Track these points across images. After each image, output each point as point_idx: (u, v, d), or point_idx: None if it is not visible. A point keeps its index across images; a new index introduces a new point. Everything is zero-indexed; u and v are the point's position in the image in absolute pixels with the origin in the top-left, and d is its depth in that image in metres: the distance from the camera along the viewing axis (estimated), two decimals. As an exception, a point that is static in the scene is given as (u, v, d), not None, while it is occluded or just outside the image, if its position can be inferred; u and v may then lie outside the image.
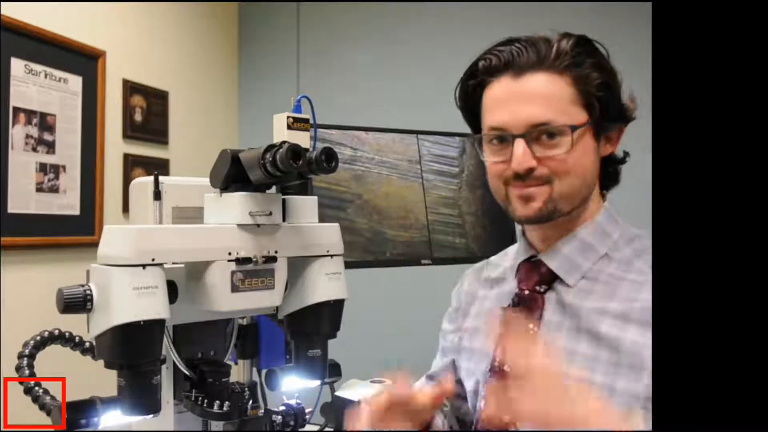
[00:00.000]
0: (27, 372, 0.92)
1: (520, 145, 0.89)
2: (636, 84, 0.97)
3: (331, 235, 1.04)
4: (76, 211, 2.32)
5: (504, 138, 0.92)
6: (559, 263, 0.94)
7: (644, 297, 0.86)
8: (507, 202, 0.95)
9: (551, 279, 0.95)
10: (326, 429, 1.54)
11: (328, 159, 0.93)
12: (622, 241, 0.95)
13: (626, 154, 1.00)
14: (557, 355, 0.89)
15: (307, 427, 1.22)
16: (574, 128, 0.88)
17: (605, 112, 0.91)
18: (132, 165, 2.58)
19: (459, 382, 1.05)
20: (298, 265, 1.02)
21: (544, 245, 0.97)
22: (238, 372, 1.17)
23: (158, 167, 2.68)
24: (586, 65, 0.90)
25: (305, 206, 1.03)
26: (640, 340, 0.84)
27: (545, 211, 0.91)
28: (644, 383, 0.82)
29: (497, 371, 0.96)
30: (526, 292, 0.97)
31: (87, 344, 1.01)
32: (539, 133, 0.89)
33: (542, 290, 0.95)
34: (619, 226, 0.96)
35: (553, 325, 0.92)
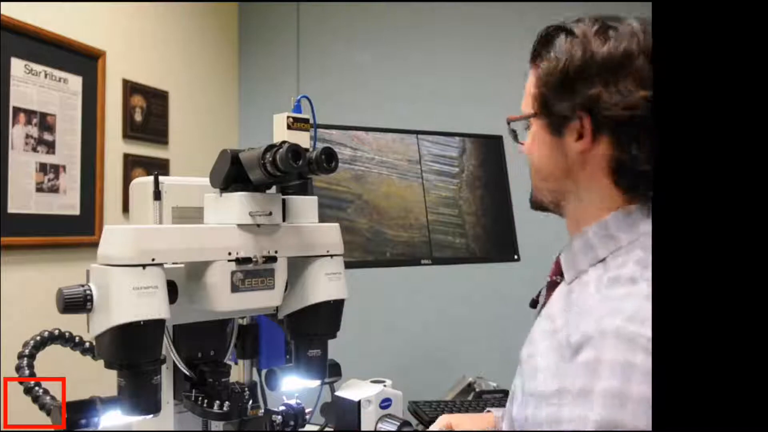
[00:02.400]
0: (27, 372, 0.92)
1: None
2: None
3: (331, 235, 1.04)
4: (76, 211, 2.32)
5: None
6: (564, 257, 0.93)
7: (584, 326, 0.76)
8: None
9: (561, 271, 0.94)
10: (326, 429, 1.54)
11: (328, 159, 0.93)
12: (630, 247, 0.83)
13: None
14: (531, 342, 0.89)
15: (307, 427, 1.22)
16: (509, 121, 0.93)
17: (546, 103, 0.87)
18: (132, 165, 2.58)
19: None
20: (298, 265, 1.02)
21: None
22: (238, 372, 1.17)
23: (158, 167, 2.68)
24: (545, 57, 0.87)
25: (305, 206, 1.03)
26: (542, 363, 0.81)
27: (532, 199, 0.97)
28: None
29: None
30: (548, 279, 0.97)
31: (87, 344, 1.01)
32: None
33: (559, 280, 0.94)
34: (636, 233, 0.83)
35: (546, 315, 0.92)
